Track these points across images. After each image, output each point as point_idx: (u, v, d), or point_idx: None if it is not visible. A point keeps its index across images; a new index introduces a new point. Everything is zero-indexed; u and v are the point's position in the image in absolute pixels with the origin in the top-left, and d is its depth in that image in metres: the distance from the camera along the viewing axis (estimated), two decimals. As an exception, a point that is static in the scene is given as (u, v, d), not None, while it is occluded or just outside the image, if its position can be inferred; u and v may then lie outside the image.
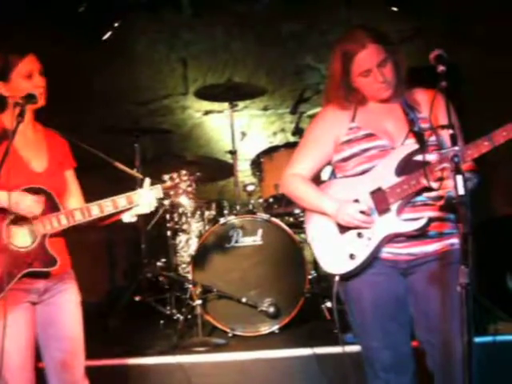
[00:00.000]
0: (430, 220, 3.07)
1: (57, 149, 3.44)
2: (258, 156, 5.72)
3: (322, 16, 7.05)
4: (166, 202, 5.67)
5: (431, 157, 3.06)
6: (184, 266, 5.62)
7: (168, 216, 5.74)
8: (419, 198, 3.10)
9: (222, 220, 5.31)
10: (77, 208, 3.28)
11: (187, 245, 5.61)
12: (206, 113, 7.18)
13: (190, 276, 5.30)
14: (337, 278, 3.19)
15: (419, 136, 3.10)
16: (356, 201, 3.16)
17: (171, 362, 4.53)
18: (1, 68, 3.24)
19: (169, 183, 3.37)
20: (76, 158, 3.55)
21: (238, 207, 5.63)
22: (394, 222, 3.10)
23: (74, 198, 3.45)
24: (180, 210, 5.69)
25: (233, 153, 5.90)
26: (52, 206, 3.22)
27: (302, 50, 7.14)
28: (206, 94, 6.27)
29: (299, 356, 4.53)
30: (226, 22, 7.14)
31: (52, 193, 3.23)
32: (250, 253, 5.24)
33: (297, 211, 5.49)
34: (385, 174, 3.11)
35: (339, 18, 6.99)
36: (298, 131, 5.94)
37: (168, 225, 5.75)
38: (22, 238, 3.16)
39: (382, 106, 3.24)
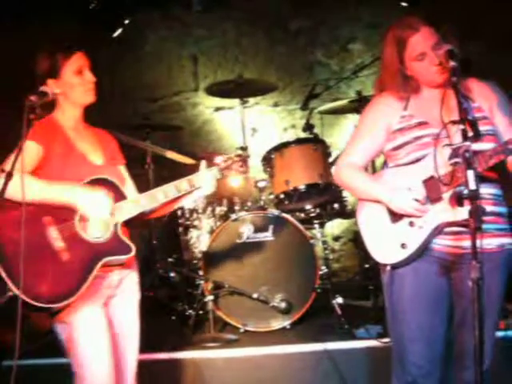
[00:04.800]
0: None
1: (108, 145, 3.47)
2: (269, 152, 5.69)
3: (331, 12, 7.07)
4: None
5: (485, 146, 2.99)
6: (195, 261, 5.62)
7: (179, 212, 5.75)
8: None
9: (233, 216, 5.33)
10: (142, 195, 3.30)
11: (198, 241, 5.60)
12: (217, 109, 7.20)
13: (201, 272, 5.32)
14: (388, 268, 3.15)
15: (473, 125, 2.97)
16: (409, 189, 3.11)
17: (183, 358, 4.56)
18: (51, 65, 3.26)
19: (223, 165, 3.48)
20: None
21: (249, 203, 5.62)
22: (447, 211, 3.04)
23: (130, 192, 3.43)
24: (191, 207, 5.70)
25: (244, 149, 5.89)
26: (118, 195, 3.21)
27: (312, 46, 7.16)
28: (216, 90, 6.28)
29: (310, 351, 4.55)
30: (236, 18, 7.16)
31: (116, 182, 3.24)
32: (261, 249, 5.25)
33: (308, 207, 5.50)
34: (438, 163, 3.03)
35: (349, 13, 7.01)
36: (309, 127, 5.94)
37: (179, 221, 5.76)
38: (95, 230, 3.13)
39: (435, 94, 3.19)
